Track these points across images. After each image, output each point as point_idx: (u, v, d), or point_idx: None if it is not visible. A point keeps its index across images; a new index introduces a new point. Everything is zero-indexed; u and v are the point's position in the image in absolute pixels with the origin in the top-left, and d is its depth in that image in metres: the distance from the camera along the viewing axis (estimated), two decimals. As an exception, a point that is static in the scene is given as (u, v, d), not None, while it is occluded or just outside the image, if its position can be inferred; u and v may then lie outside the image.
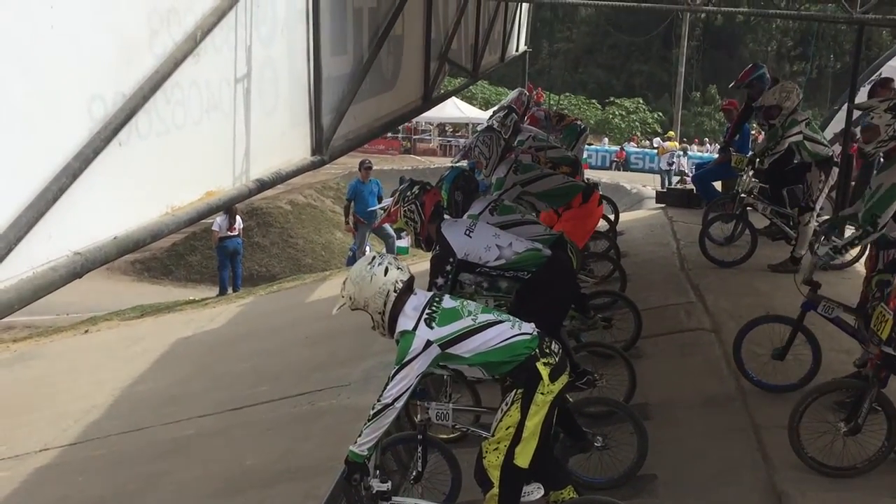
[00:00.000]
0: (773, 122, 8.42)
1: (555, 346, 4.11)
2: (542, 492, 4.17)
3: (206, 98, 3.18)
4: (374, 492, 4.12)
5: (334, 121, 4.41)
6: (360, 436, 3.98)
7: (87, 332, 12.77)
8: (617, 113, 44.98)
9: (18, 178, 2.25)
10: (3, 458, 7.92)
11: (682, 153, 31.28)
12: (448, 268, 5.16)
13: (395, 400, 3.88)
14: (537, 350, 4.01)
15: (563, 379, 4.07)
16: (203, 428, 7.78)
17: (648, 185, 27.74)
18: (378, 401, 3.93)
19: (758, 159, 8.32)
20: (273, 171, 3.79)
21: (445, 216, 5.53)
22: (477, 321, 4.03)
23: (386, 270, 4.03)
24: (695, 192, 11.37)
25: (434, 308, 4.02)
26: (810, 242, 7.41)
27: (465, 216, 5.72)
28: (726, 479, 5.09)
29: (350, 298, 4.09)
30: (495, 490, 4.01)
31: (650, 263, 9.39)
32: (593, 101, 46.74)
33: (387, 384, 3.93)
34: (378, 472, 4.15)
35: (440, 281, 5.15)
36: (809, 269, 5.62)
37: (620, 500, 4.36)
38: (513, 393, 3.99)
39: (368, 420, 3.95)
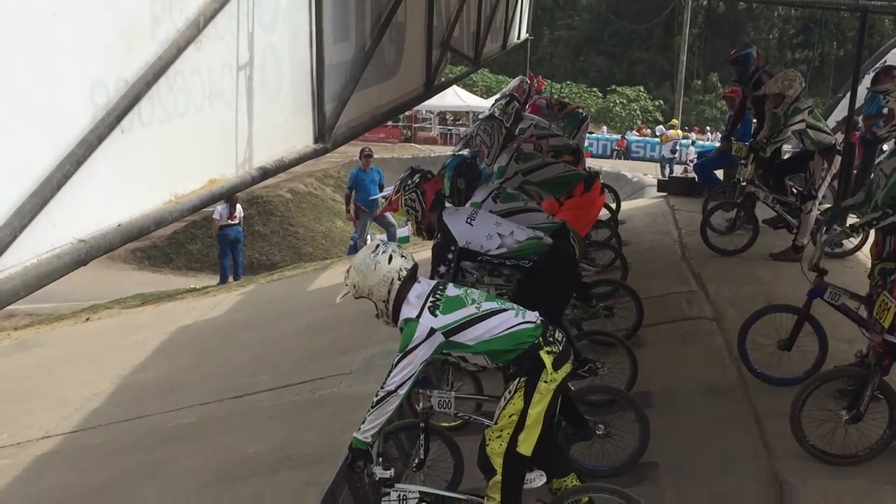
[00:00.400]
0: (775, 111, 8.42)
1: (558, 335, 4.12)
2: (544, 479, 4.18)
3: (209, 85, 3.16)
4: (376, 479, 4.13)
5: (337, 108, 4.39)
6: (363, 423, 3.99)
7: (87, 320, 12.79)
8: (618, 101, 44.87)
9: (22, 165, 2.25)
10: (4, 446, 7.94)
11: (690, 143, 31.17)
12: (450, 256, 5.16)
13: (399, 387, 3.88)
14: (541, 338, 4.01)
15: (567, 367, 4.08)
16: (204, 416, 7.79)
17: (649, 173, 27.72)
18: (381, 388, 3.94)
19: (760, 148, 8.31)
20: (276, 159, 3.77)
21: (447, 204, 5.52)
22: (481, 309, 4.03)
23: (390, 258, 4.03)
24: (696, 180, 11.37)
25: (438, 296, 4.02)
26: (812, 232, 7.43)
27: (467, 204, 5.72)
28: (728, 467, 5.10)
29: (354, 287, 4.09)
30: (498, 477, 4.02)
31: (651, 252, 9.38)
32: (594, 89, 46.61)
33: (390, 371, 3.93)
34: (381, 459, 4.16)
35: (442, 269, 5.15)
36: (817, 255, 5.58)
37: (622, 488, 4.37)
38: (516, 381, 3.99)
39: (372, 407, 3.95)
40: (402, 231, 14.41)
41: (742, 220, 8.76)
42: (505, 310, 4.08)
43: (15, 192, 2.22)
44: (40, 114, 2.30)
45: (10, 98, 2.18)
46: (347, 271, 4.14)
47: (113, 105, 2.55)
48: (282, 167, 3.84)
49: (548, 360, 3.97)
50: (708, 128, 39.29)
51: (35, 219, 2.25)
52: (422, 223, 5.37)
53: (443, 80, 8.41)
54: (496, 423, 4.04)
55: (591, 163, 22.67)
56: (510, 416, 3.98)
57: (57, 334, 12.15)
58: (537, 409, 3.96)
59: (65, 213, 2.39)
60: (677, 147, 30.32)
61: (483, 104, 35.04)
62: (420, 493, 4.23)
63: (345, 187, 17.44)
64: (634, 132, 39.77)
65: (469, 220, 5.26)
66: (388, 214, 12.57)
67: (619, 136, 38.08)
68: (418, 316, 3.93)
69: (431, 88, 7.00)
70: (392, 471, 4.17)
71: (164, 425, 7.76)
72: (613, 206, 9.87)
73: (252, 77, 3.48)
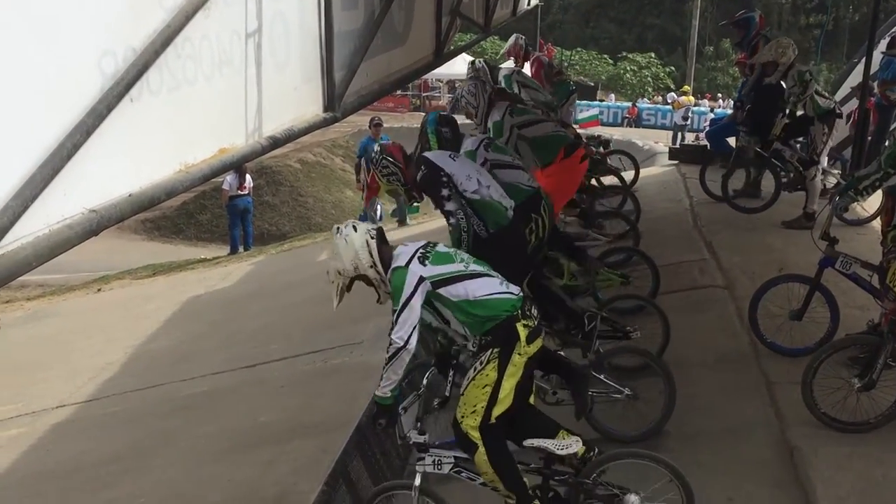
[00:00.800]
0: (768, 79, 8.44)
1: (534, 311, 4.15)
2: (580, 444, 4.13)
3: (218, 53, 3.13)
4: (411, 442, 4.19)
5: (346, 76, 4.36)
6: (381, 380, 4.03)
7: (99, 290, 12.88)
8: (629, 68, 44.42)
9: (32, 135, 2.23)
10: (19, 415, 8.03)
11: (708, 111, 30.74)
12: (444, 179, 5.11)
13: (407, 342, 3.91)
14: (519, 311, 4.03)
15: (539, 342, 4.12)
16: (217, 385, 7.85)
17: (661, 141, 27.50)
18: (389, 344, 3.96)
19: (790, 104, 8.33)
20: (286, 128, 3.75)
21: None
22: (468, 269, 4.08)
23: (354, 228, 4.10)
24: (708, 148, 11.28)
25: (428, 250, 4.08)
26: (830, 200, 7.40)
27: (460, 153, 5.67)
28: (739, 434, 5.12)
29: (339, 273, 4.12)
30: (482, 449, 4.02)
31: (663, 220, 9.35)
32: (605, 56, 46.13)
33: (392, 326, 3.95)
34: (418, 424, 4.19)
35: (445, 192, 5.11)
36: (827, 223, 5.57)
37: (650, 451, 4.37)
38: (489, 352, 3.99)
39: (386, 363, 3.98)
40: (412, 201, 14.34)
41: (757, 182, 8.86)
42: (491, 275, 4.12)
43: (26, 162, 2.21)
44: (49, 83, 2.29)
45: (18, 67, 2.16)
46: (328, 273, 4.18)
47: (122, 74, 2.53)
48: (292, 136, 3.82)
49: (523, 332, 3.99)
50: (720, 94, 38.91)
51: (46, 189, 2.24)
52: (407, 182, 5.31)
53: (452, 47, 8.33)
54: (464, 396, 4.03)
55: (601, 131, 22.56)
56: (483, 388, 3.97)
57: (69, 305, 12.24)
58: (511, 382, 3.98)
59: (75, 183, 2.38)
60: (689, 114, 30.02)
61: (492, 72, 34.63)
62: (455, 458, 4.22)
63: (354, 157, 17.37)
64: (646, 100, 39.40)
65: (451, 157, 5.29)
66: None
67: (629, 104, 37.73)
68: (407, 264, 3.98)
69: (441, 56, 6.93)
70: (427, 436, 4.20)
71: (177, 394, 7.83)
72: (631, 174, 9.95)
73: (261, 45, 3.44)
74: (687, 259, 7.94)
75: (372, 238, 4.07)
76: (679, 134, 28.46)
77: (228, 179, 14.40)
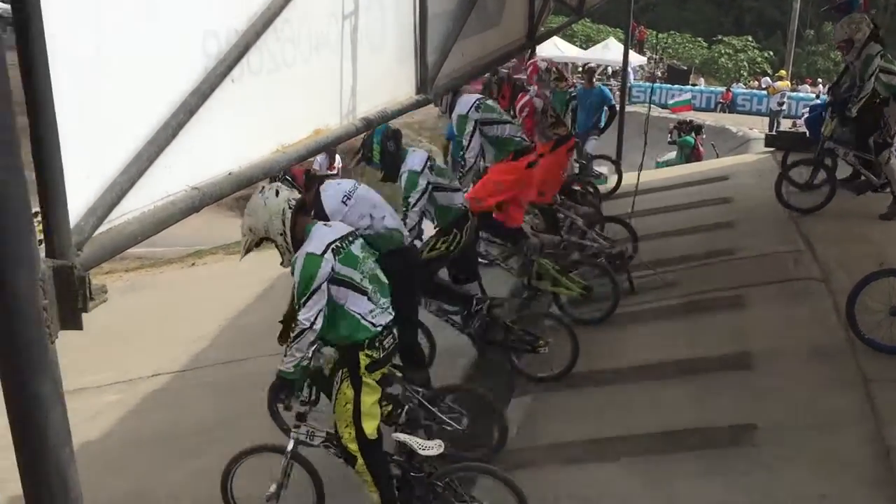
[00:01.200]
0: (845, 60, 8.12)
1: (387, 343, 4.25)
2: (441, 448, 4.23)
3: (315, 35, 3.19)
4: (292, 412, 4.42)
5: (439, 58, 4.37)
6: (285, 356, 4.13)
7: (193, 264, 13.25)
8: (724, 52, 43.17)
9: (140, 113, 2.31)
10: (117, 382, 8.35)
11: (814, 97, 29.59)
12: None
13: (313, 324, 4.00)
14: (367, 341, 4.14)
15: (382, 371, 4.27)
16: (303, 360, 8.00)
17: (755, 127, 26.68)
18: (295, 324, 4.06)
19: (845, 106, 8.00)
20: (379, 110, 3.79)
21: (327, 182, 5.52)
22: (361, 283, 4.16)
23: (277, 192, 4.13)
24: (807, 135, 10.88)
25: (343, 245, 4.14)
26: None
27: (404, 170, 5.86)
28: (831, 431, 4.97)
29: (250, 230, 4.18)
30: (361, 460, 4.24)
31: (758, 210, 9.10)
32: (699, 39, 44.96)
33: (300, 308, 4.01)
34: (300, 393, 4.39)
35: None
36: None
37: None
38: (340, 372, 4.22)
39: (291, 341, 4.09)
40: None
41: (817, 177, 8.51)
42: (372, 300, 4.18)
43: (132, 139, 2.29)
44: (156, 64, 2.36)
45: (129, 48, 2.24)
46: (242, 223, 4.24)
47: (224, 55, 2.60)
48: (385, 118, 3.86)
49: (364, 361, 4.15)
50: (820, 80, 37.47)
51: (151, 166, 2.33)
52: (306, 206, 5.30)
53: (544, 29, 8.26)
54: (335, 415, 4.28)
55: (693, 116, 21.98)
56: (345, 405, 4.20)
57: (165, 278, 12.64)
58: (371, 398, 4.20)
59: (179, 161, 2.46)
60: (785, 99, 29.00)
61: (582, 55, 34.28)
62: (327, 433, 4.44)
63: (441, 139, 17.39)
64: (741, 85, 38.21)
65: (345, 199, 5.21)
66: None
67: (723, 89, 36.66)
68: (323, 253, 4.02)
69: (534, 38, 6.88)
70: (308, 407, 4.41)
71: (265, 368, 7.95)
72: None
73: (357, 27, 3.48)
74: (781, 250, 7.72)
75: (290, 208, 4.09)
76: (775, 120, 27.57)
77: (318, 159, 14.59)
